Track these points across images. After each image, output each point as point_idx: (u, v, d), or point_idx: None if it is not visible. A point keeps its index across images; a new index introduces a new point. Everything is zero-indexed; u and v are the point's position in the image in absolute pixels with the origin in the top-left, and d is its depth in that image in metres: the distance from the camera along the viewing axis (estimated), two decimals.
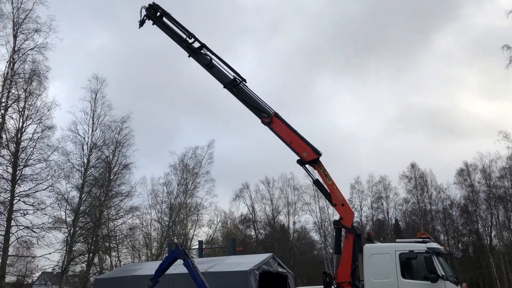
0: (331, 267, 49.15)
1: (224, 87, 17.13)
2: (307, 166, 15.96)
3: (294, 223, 59.83)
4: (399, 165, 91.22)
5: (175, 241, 40.93)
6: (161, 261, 18.75)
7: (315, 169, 15.78)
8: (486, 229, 52.53)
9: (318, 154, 15.60)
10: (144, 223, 44.55)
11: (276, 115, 16.32)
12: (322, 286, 20.06)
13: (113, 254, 39.89)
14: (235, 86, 16.91)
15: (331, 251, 55.00)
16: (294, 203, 59.19)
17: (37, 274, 40.56)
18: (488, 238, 52.51)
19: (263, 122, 16.43)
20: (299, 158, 15.80)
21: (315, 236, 59.78)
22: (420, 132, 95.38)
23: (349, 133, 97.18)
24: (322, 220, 55.79)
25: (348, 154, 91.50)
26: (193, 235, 46.57)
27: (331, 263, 52.01)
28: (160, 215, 45.52)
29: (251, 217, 61.03)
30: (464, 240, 57.52)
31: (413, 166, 57.73)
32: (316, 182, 16.02)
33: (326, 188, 15.42)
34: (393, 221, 60.34)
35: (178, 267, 17.93)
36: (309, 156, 15.57)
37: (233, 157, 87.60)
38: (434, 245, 13.37)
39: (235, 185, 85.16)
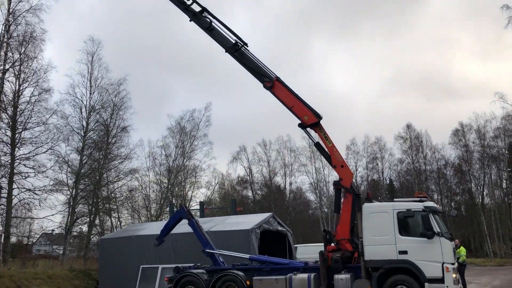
0: (327, 226, 50.33)
1: (225, 52, 17.10)
2: (308, 129, 16.34)
3: (291, 184, 60.57)
4: (395, 126, 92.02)
5: (174, 202, 41.60)
6: (161, 222, 19.31)
7: (316, 132, 16.13)
8: (479, 188, 53.59)
9: (319, 117, 15.88)
10: (143, 185, 45.03)
11: (278, 79, 16.45)
12: (319, 244, 20.98)
13: (114, 215, 40.52)
14: (236, 50, 16.91)
15: (326, 210, 56.18)
16: (290, 165, 59.74)
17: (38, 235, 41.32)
18: (480, 196, 53.72)
19: (265, 86, 16.58)
20: (300, 122, 16.11)
21: (311, 196, 60.80)
22: (414, 93, 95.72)
23: (344, 95, 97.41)
24: (318, 180, 56.58)
25: (344, 115, 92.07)
26: (191, 197, 47.30)
27: (327, 222, 53.24)
28: (159, 177, 46.01)
29: (248, 178, 61.75)
30: (457, 199, 58.81)
31: (408, 126, 58.01)
32: (316, 145, 16.42)
33: (326, 150, 15.81)
34: (388, 181, 61.39)
35: (180, 227, 18.56)
36: (310, 119, 15.87)
37: (230, 120, 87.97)
38: (431, 204, 13.86)
39: (232, 147, 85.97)
